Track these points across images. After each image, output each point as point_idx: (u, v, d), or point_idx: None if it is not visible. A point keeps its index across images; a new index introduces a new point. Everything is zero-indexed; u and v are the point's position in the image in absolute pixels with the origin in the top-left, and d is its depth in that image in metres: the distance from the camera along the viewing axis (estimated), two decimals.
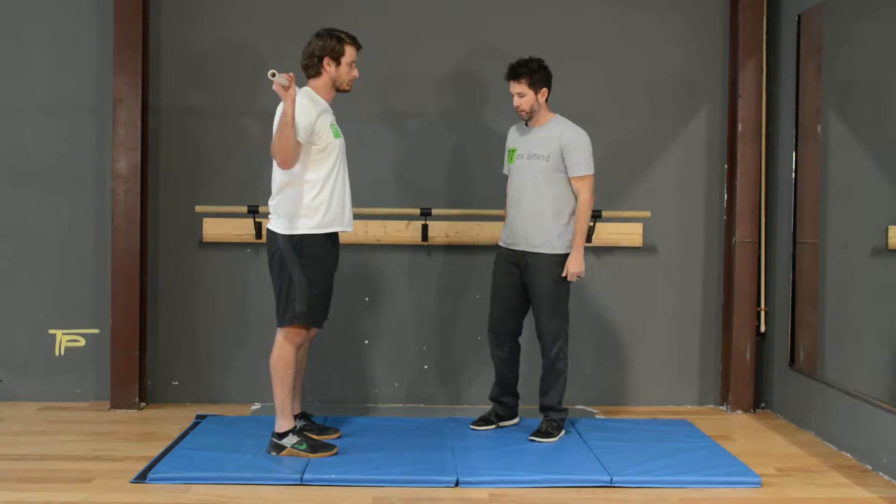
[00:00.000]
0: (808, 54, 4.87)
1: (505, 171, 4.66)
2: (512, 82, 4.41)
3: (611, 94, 5.29)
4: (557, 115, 4.53)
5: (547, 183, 4.39)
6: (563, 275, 4.39)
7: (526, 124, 4.53)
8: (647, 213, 5.20)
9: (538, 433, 4.47)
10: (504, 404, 4.67)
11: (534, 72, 4.38)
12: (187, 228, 5.18)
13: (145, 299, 5.13)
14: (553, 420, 4.51)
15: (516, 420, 4.71)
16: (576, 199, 4.42)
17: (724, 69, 5.29)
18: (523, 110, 4.42)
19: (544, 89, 4.43)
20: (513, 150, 4.52)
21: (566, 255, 4.41)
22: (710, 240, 5.33)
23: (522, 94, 4.39)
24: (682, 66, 5.30)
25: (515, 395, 4.70)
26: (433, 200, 5.12)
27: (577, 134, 4.42)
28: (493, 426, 4.64)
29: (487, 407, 4.96)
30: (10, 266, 5.18)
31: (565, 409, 4.56)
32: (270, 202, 4.16)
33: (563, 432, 4.52)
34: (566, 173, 4.39)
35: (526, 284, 4.48)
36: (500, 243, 4.58)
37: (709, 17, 5.28)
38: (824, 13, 4.73)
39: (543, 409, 4.54)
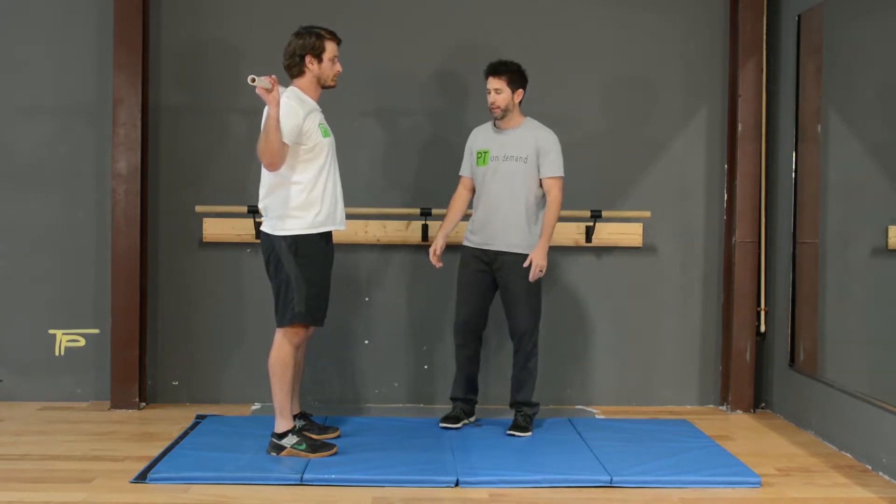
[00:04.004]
0: (808, 54, 4.87)
1: (464, 173, 4.67)
2: (491, 78, 4.49)
3: (611, 94, 5.29)
4: (529, 117, 4.60)
5: (524, 184, 4.48)
6: (525, 265, 4.44)
7: (494, 125, 4.58)
8: (647, 213, 5.20)
9: (516, 428, 4.53)
10: (470, 401, 4.73)
11: (513, 72, 4.49)
12: (187, 228, 5.18)
13: (145, 299, 5.13)
14: (527, 415, 4.59)
15: (474, 417, 4.76)
16: (544, 199, 4.54)
17: (724, 69, 5.29)
18: (498, 107, 4.49)
19: (520, 90, 4.52)
20: (485, 152, 4.55)
21: None
22: (710, 240, 5.33)
23: (500, 91, 4.47)
24: (682, 66, 5.30)
25: (477, 391, 4.76)
26: (433, 200, 5.11)
27: (552, 136, 4.54)
28: (461, 424, 4.67)
29: (487, 407, 4.97)
30: (10, 266, 5.18)
31: (538, 404, 4.66)
32: (261, 204, 4.16)
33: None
34: (538, 174, 4.50)
35: (499, 283, 4.56)
36: (468, 243, 4.61)
37: (709, 17, 5.28)
38: (824, 13, 4.73)
39: (517, 404, 4.61)
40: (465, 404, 4.71)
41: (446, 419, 4.65)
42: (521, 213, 4.49)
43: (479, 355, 4.71)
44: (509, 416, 4.72)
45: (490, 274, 4.57)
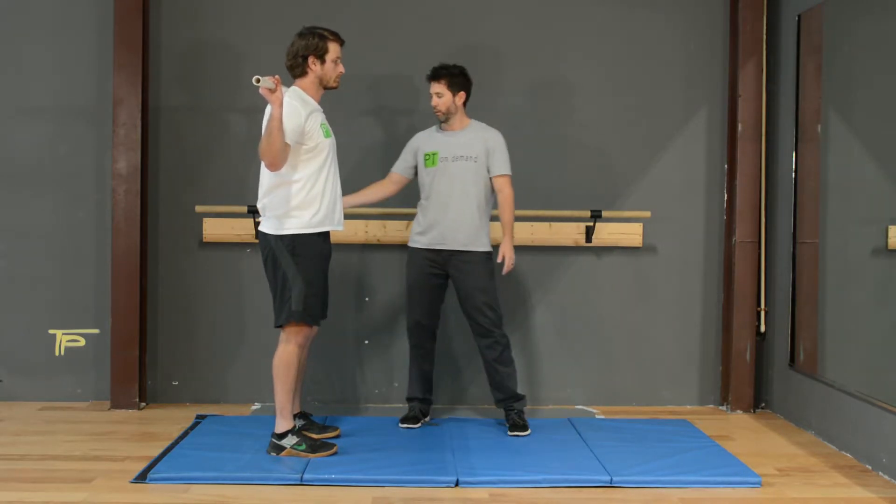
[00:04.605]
0: (808, 54, 4.88)
1: (396, 169, 4.72)
2: (432, 83, 4.60)
3: (611, 93, 5.29)
4: (474, 119, 4.69)
5: (474, 183, 4.57)
6: (500, 261, 4.54)
7: (440, 128, 4.66)
8: (647, 213, 5.20)
9: (516, 427, 4.56)
10: (426, 401, 4.78)
11: (453, 76, 4.59)
12: (187, 228, 5.18)
13: (145, 299, 5.13)
14: (520, 410, 4.64)
15: (429, 417, 4.81)
16: (494, 197, 4.63)
17: (724, 69, 5.29)
18: (440, 110, 4.59)
19: (462, 93, 4.62)
20: (434, 154, 4.60)
21: (489, 252, 4.60)
22: (710, 240, 5.33)
23: (440, 95, 4.57)
24: (682, 66, 5.30)
25: (432, 390, 4.82)
26: None
27: (499, 136, 4.65)
28: (420, 423, 4.69)
29: (488, 406, 4.98)
30: (10, 266, 5.18)
31: (524, 396, 4.71)
32: (259, 203, 4.16)
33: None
34: (487, 173, 4.59)
35: (454, 283, 4.62)
36: (417, 245, 4.64)
37: (709, 17, 5.28)
38: (824, 13, 4.73)
39: (505, 401, 4.65)
40: (422, 404, 4.75)
41: (406, 420, 4.68)
42: (473, 211, 4.55)
43: (434, 353, 4.77)
44: None
45: (442, 275, 4.62)
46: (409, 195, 5.21)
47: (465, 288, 4.58)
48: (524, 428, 4.55)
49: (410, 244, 4.69)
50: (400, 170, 4.72)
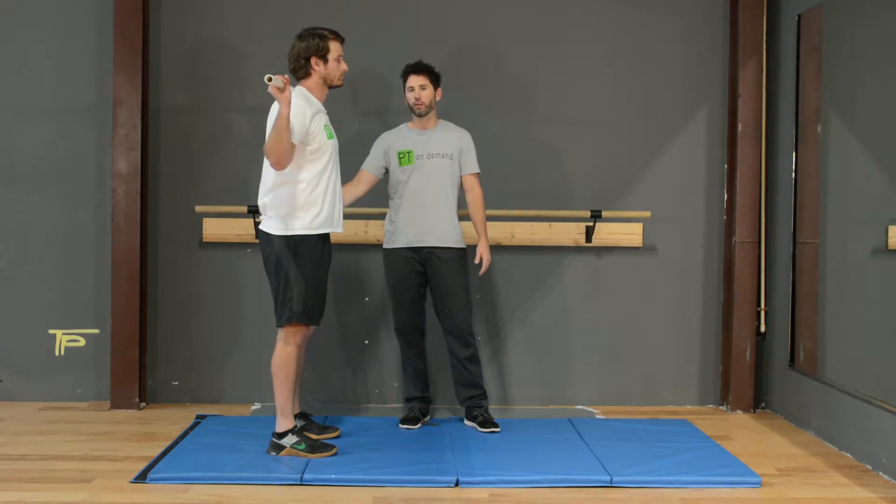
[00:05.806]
0: (808, 54, 4.88)
1: (367, 168, 4.70)
2: (414, 76, 4.61)
3: (611, 93, 5.29)
4: (442, 119, 4.73)
5: (450, 180, 4.63)
6: (477, 262, 4.60)
7: (410, 126, 4.68)
8: (647, 213, 5.20)
9: (489, 424, 4.59)
10: (425, 399, 4.81)
11: (433, 71, 4.62)
12: (187, 228, 5.18)
13: (145, 299, 5.13)
14: (486, 406, 4.69)
15: (429, 417, 4.82)
16: (460, 195, 4.69)
17: (724, 69, 5.29)
18: (423, 103, 4.60)
19: (439, 89, 4.66)
20: (409, 152, 4.62)
21: (464, 249, 4.65)
22: (710, 240, 5.33)
23: (424, 87, 4.59)
24: (682, 66, 5.30)
25: (429, 388, 4.85)
26: None
27: (469, 135, 4.71)
28: (420, 424, 4.70)
29: (489, 407, 4.97)
30: (10, 266, 5.18)
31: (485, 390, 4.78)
32: (260, 201, 4.16)
33: None
34: (459, 171, 4.65)
35: (432, 280, 4.64)
36: (393, 245, 4.65)
37: (709, 17, 5.28)
38: (824, 13, 4.73)
39: (475, 398, 4.69)
40: (421, 403, 4.77)
41: (405, 421, 4.69)
42: (449, 207, 4.61)
43: (426, 350, 4.81)
44: (505, 416, 4.75)
45: (423, 272, 4.64)
46: None
47: (443, 285, 4.60)
48: (497, 424, 4.59)
49: (387, 245, 4.69)
50: (371, 169, 4.71)
